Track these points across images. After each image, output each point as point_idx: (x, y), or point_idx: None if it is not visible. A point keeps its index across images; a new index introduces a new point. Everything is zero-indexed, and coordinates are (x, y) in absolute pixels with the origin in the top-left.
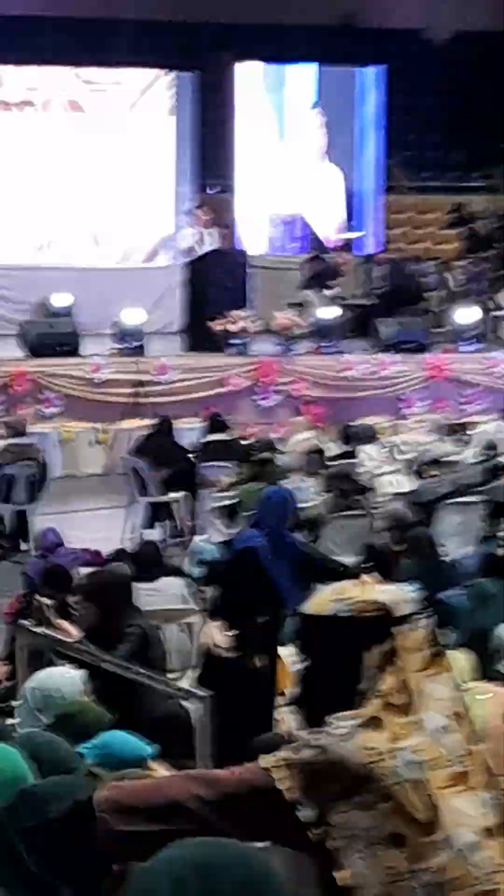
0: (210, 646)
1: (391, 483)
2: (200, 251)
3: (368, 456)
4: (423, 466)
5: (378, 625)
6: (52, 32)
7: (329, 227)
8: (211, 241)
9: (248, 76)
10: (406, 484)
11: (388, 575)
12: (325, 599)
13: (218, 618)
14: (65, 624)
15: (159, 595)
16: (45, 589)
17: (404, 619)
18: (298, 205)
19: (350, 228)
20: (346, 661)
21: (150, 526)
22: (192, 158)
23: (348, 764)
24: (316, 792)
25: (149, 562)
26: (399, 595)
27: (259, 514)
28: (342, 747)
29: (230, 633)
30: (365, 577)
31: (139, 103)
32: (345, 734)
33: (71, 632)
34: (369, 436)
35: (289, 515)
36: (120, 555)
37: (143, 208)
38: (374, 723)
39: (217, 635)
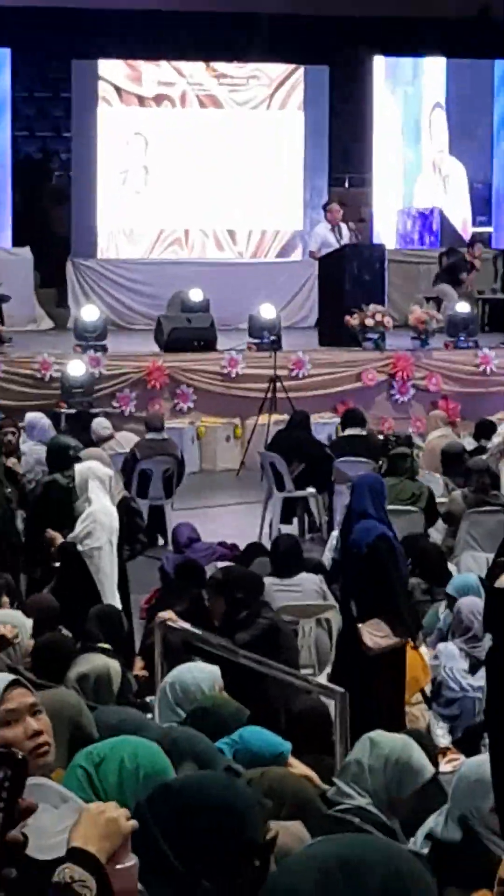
0: (371, 645)
1: None
2: (335, 246)
3: None
4: None
5: None
6: (187, 28)
7: (459, 221)
8: (345, 237)
9: (376, 71)
10: None
11: None
12: None
13: (367, 616)
14: None
15: (297, 590)
16: (178, 584)
17: None
18: (428, 199)
19: (485, 222)
20: None
21: (286, 521)
22: (325, 153)
23: None
24: None
25: (287, 556)
26: None
27: (361, 501)
28: None
29: (378, 630)
30: None
31: (272, 98)
32: None
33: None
34: None
35: (385, 501)
36: (256, 548)
37: (275, 203)
38: None
39: (375, 634)
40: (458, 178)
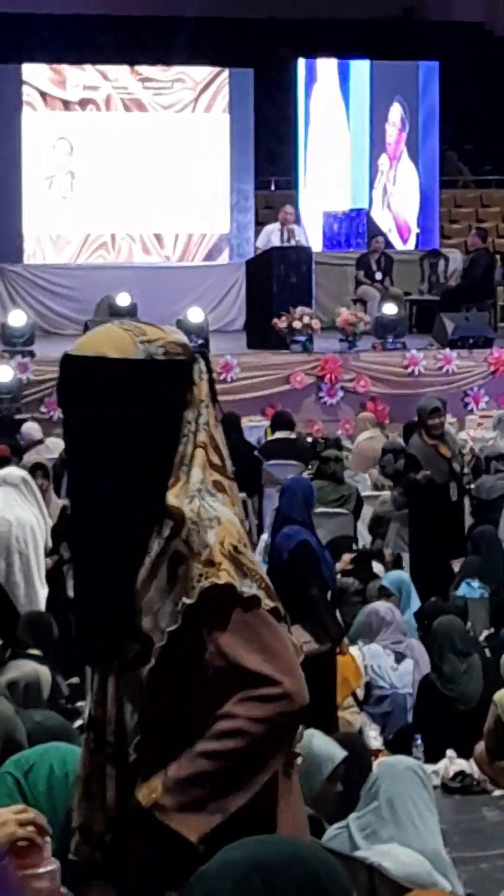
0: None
1: None
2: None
3: None
4: (487, 462)
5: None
6: (111, 31)
7: (395, 221)
8: (299, 238)
9: (323, 70)
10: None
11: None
12: (125, 340)
13: (292, 621)
14: None
15: None
16: None
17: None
18: (364, 200)
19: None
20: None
21: None
22: (251, 156)
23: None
24: None
25: None
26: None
27: (288, 506)
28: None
29: (300, 636)
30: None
31: (197, 101)
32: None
33: None
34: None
35: (313, 505)
36: None
37: (201, 206)
38: (219, 487)
39: (297, 640)
40: (408, 179)
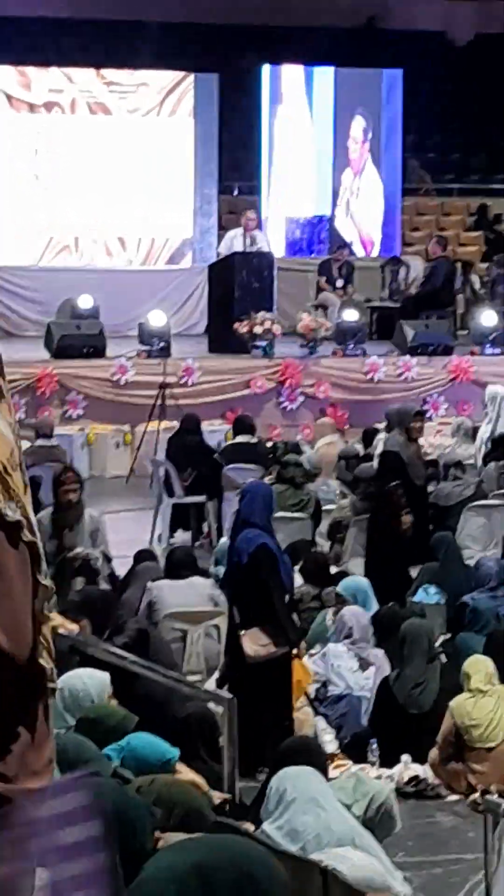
0: (251, 654)
1: None
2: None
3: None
4: (446, 469)
5: None
6: (76, 34)
7: (357, 230)
8: (260, 244)
9: (288, 76)
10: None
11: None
12: None
13: (248, 624)
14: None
15: (188, 595)
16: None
17: None
18: (325, 206)
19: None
20: None
21: (179, 528)
22: (215, 160)
23: None
24: None
25: (181, 563)
26: None
27: (247, 510)
28: None
29: (258, 639)
30: None
31: (162, 105)
32: None
33: None
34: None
35: (273, 509)
36: (145, 554)
37: (165, 210)
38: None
39: (255, 643)
40: (372, 187)
